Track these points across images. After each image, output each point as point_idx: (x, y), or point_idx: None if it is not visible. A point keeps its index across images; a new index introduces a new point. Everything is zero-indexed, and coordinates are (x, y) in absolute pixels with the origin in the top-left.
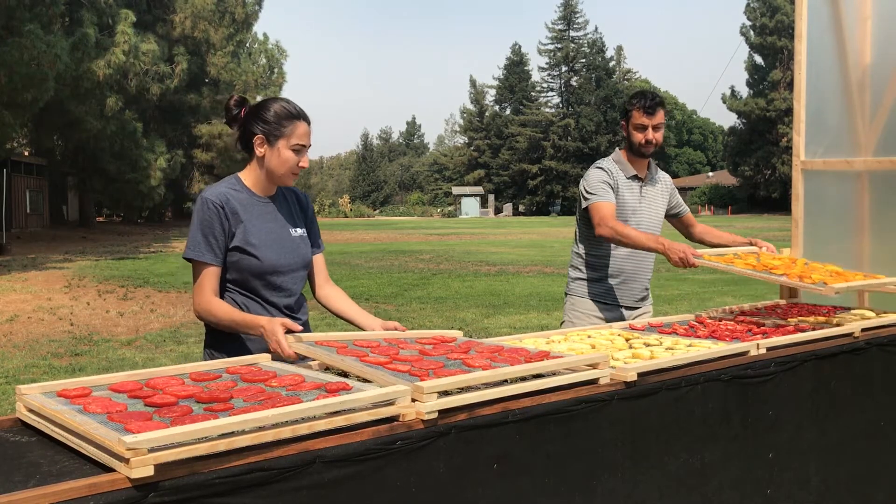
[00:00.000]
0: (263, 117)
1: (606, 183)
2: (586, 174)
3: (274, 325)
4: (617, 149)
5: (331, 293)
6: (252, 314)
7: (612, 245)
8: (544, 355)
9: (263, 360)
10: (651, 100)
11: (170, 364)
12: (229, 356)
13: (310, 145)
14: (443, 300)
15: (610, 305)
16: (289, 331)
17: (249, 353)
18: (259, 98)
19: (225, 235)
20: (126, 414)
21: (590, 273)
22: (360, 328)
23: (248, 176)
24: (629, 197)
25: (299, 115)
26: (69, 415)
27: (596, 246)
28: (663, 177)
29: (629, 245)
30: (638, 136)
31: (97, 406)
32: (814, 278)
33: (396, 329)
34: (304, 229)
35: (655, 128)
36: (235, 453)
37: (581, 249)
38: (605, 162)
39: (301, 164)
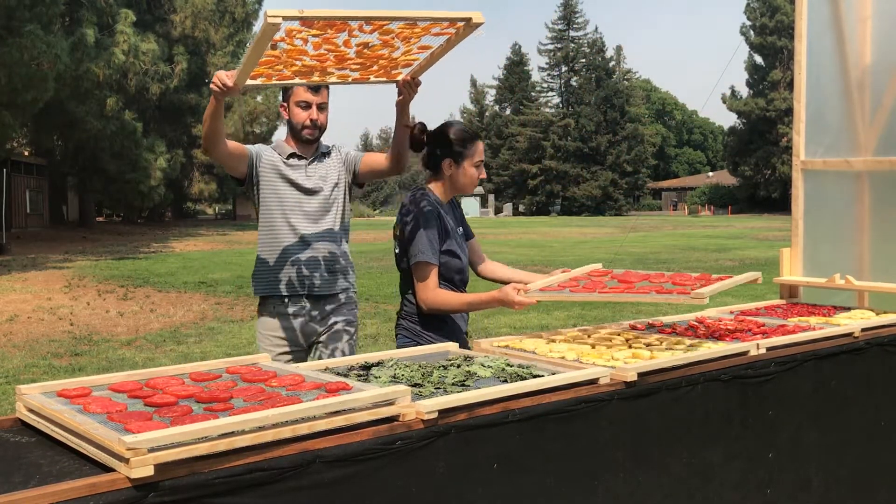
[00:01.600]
0: (447, 143)
1: None
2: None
3: (505, 292)
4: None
5: (494, 267)
6: (477, 294)
7: None
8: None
9: (263, 360)
10: None
11: (170, 364)
12: (443, 336)
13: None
14: None
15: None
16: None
17: (461, 330)
18: (258, 98)
19: (441, 241)
20: (126, 414)
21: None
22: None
23: (436, 189)
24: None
25: (476, 136)
26: (69, 415)
27: None
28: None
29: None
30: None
31: (97, 406)
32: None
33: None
34: (462, 228)
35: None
36: (235, 453)
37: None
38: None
39: (481, 175)
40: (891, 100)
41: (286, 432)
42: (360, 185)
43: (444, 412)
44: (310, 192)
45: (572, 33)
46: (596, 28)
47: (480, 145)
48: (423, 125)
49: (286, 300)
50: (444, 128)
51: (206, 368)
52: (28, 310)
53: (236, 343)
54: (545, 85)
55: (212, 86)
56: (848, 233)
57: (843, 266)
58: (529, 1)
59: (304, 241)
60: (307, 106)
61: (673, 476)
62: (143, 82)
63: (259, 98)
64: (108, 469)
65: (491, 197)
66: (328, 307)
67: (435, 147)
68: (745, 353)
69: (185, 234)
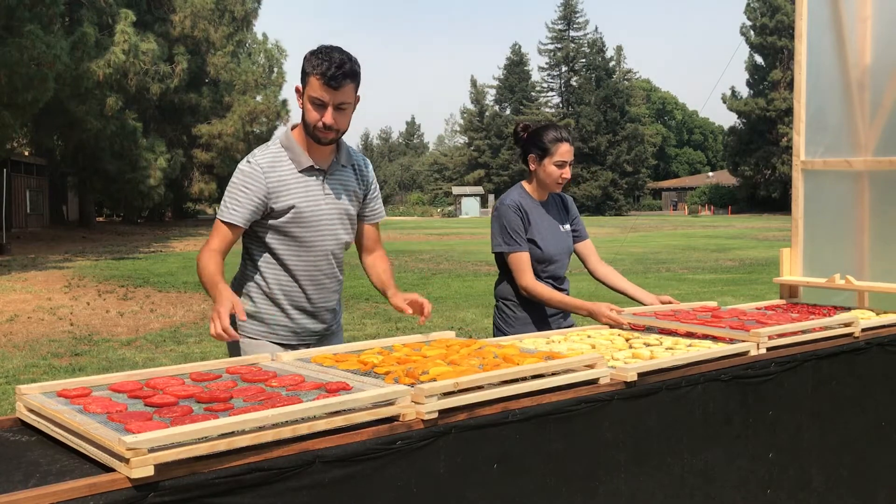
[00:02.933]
0: (534, 140)
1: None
2: None
3: (599, 307)
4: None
5: (607, 272)
6: (574, 299)
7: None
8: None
9: (264, 360)
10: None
11: (170, 364)
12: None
13: (571, 161)
14: (443, 300)
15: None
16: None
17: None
18: (258, 98)
19: (524, 231)
20: (126, 414)
21: None
22: (639, 302)
23: (527, 185)
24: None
25: (562, 138)
26: (69, 415)
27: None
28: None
29: None
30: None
31: (97, 406)
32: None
33: (671, 302)
34: (569, 225)
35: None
36: (235, 453)
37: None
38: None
39: (563, 175)
40: (891, 100)
41: (286, 432)
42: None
43: (444, 412)
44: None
45: (572, 33)
46: (596, 28)
47: (566, 146)
48: (526, 124)
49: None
50: (538, 127)
51: (206, 368)
52: (28, 310)
53: None
54: (545, 85)
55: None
56: (848, 233)
57: (843, 266)
58: (529, 1)
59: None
60: (322, 104)
61: (673, 476)
62: (143, 82)
63: (259, 98)
64: (108, 469)
65: (491, 197)
66: None
67: (526, 144)
68: (745, 354)
69: (185, 233)
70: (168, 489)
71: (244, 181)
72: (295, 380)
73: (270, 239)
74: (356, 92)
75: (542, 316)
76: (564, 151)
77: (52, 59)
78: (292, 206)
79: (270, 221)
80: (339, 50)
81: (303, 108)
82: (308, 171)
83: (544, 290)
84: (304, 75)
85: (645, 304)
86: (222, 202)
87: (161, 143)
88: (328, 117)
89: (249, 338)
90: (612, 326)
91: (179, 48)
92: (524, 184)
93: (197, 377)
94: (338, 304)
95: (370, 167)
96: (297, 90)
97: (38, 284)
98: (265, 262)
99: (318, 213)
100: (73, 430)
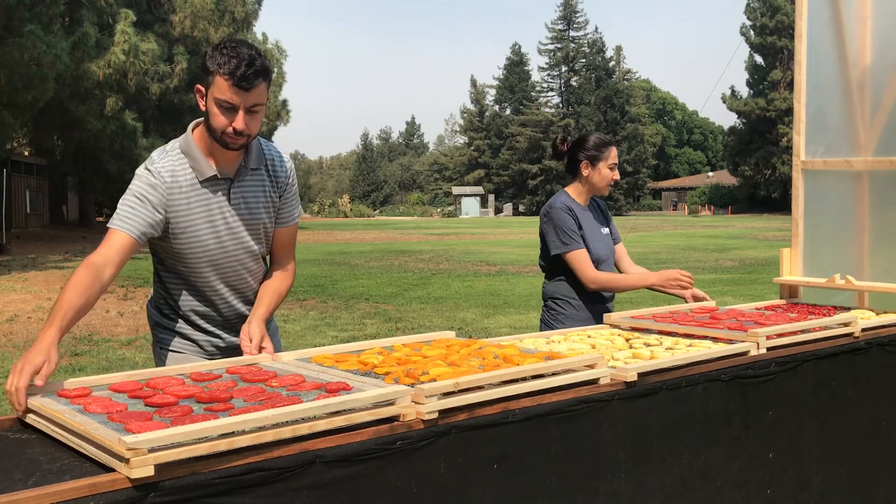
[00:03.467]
0: (585, 147)
1: None
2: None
3: (669, 274)
4: None
5: (636, 271)
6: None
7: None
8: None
9: (264, 360)
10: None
11: None
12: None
13: (618, 163)
14: (443, 300)
15: None
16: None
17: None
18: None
19: (578, 229)
20: (126, 414)
21: None
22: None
23: (572, 191)
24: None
25: (610, 143)
26: (69, 415)
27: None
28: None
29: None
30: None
31: (97, 406)
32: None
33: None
34: (608, 229)
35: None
36: (235, 453)
37: None
38: None
39: (614, 177)
40: (891, 100)
41: (286, 432)
42: None
43: (444, 412)
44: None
45: (572, 33)
46: (596, 28)
47: (615, 150)
48: (563, 137)
49: None
50: (584, 135)
51: (207, 368)
52: (28, 310)
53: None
54: (545, 85)
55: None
56: (848, 233)
57: (843, 266)
58: (529, 1)
59: None
60: (230, 107)
61: (673, 476)
62: (143, 82)
63: None
64: (108, 469)
65: (491, 197)
66: None
67: (575, 152)
68: (745, 354)
69: None
70: (168, 489)
71: (144, 190)
72: (295, 380)
73: (174, 259)
74: (268, 91)
75: (587, 316)
76: (615, 154)
77: (52, 59)
78: (193, 225)
79: (172, 241)
80: (246, 44)
81: (206, 111)
82: (211, 182)
83: (610, 277)
84: (208, 74)
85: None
86: (117, 210)
87: (161, 143)
88: (239, 122)
89: (175, 352)
90: (681, 289)
91: (179, 48)
92: (568, 189)
93: (197, 377)
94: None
95: (286, 162)
96: (198, 91)
97: (38, 284)
98: (173, 283)
99: (222, 231)
100: (74, 431)
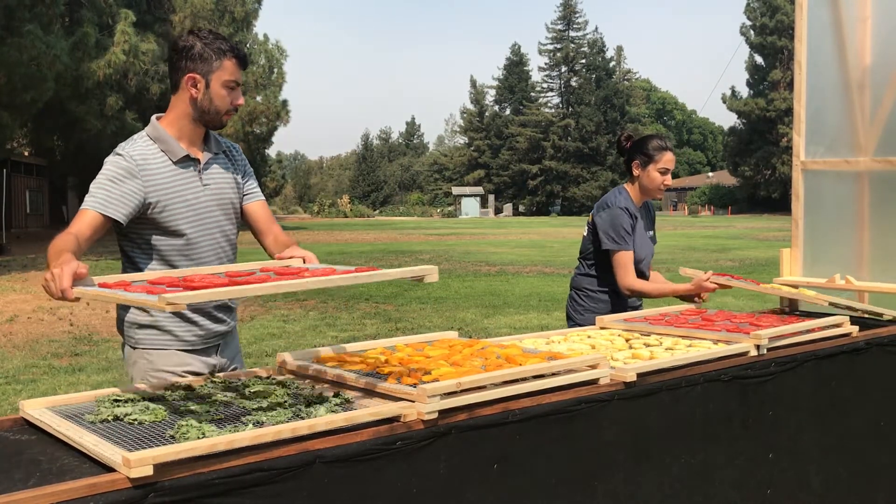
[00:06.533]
0: (640, 148)
1: None
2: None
3: (699, 282)
4: None
5: (653, 277)
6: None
7: None
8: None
9: (295, 262)
10: None
11: None
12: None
13: (673, 168)
14: (443, 300)
15: None
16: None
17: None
18: (258, 98)
19: (633, 232)
20: (163, 289)
21: None
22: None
23: (630, 190)
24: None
25: (665, 147)
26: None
27: None
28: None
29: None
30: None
31: (138, 287)
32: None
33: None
34: (652, 231)
35: None
36: (235, 453)
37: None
38: None
39: (665, 182)
40: (891, 100)
41: (286, 432)
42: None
43: (444, 412)
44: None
45: (572, 33)
46: (596, 28)
47: (669, 155)
48: (629, 135)
49: None
50: (642, 136)
51: (240, 268)
52: (28, 310)
53: None
54: (545, 85)
55: (45, 287)
56: (848, 233)
57: (843, 266)
58: (529, 1)
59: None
60: (236, 86)
61: (673, 476)
62: (144, 82)
63: (259, 98)
64: (108, 469)
65: (491, 197)
66: None
67: (631, 151)
68: (745, 354)
69: None
70: (168, 489)
71: (117, 173)
72: (326, 272)
73: (154, 241)
74: None
75: (608, 311)
76: (668, 160)
77: (52, 59)
78: (170, 203)
79: (149, 220)
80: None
81: (203, 97)
82: (183, 162)
83: (646, 286)
84: (213, 60)
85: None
86: (89, 193)
87: None
88: (240, 98)
89: (155, 349)
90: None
91: None
92: (627, 188)
93: (232, 275)
94: (233, 301)
95: (239, 150)
96: (193, 80)
97: (37, 285)
98: (150, 268)
99: (199, 207)
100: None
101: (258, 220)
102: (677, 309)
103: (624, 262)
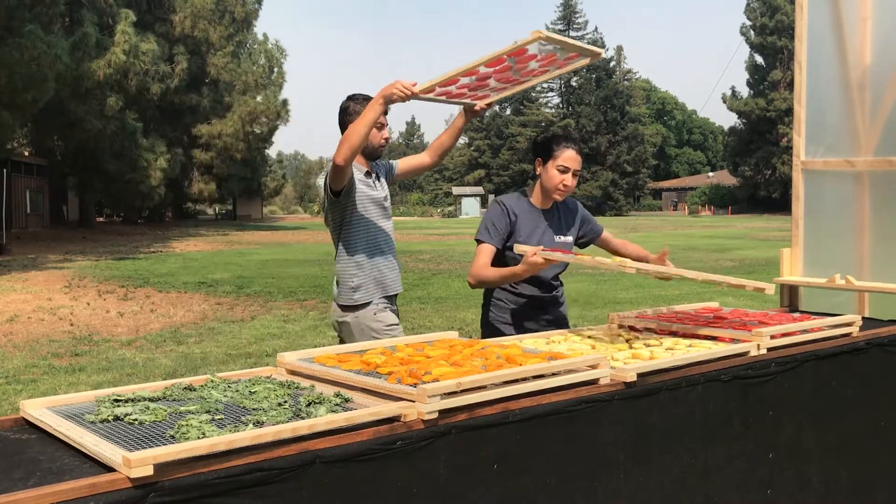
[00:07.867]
0: (540, 144)
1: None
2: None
3: (528, 256)
4: None
5: (619, 243)
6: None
7: None
8: None
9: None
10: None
11: (169, 363)
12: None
13: (576, 171)
14: (443, 300)
15: None
16: None
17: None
18: (258, 98)
19: (505, 231)
20: None
21: None
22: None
23: (532, 191)
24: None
25: (569, 146)
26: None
27: None
28: None
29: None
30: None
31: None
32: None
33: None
34: (573, 236)
35: None
36: (235, 453)
37: None
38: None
39: (564, 182)
40: (891, 100)
41: (286, 432)
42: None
43: (444, 412)
44: (383, 206)
45: (572, 33)
46: (596, 28)
47: (570, 153)
48: (544, 133)
49: (395, 298)
50: (553, 133)
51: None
52: (28, 310)
53: (237, 343)
54: (545, 85)
55: (395, 92)
56: (848, 233)
57: (843, 266)
58: (529, 1)
59: (389, 250)
60: (381, 127)
61: (673, 476)
62: (144, 82)
63: (259, 98)
64: (108, 468)
65: (491, 197)
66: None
67: (536, 148)
68: (745, 354)
69: (185, 234)
70: (168, 489)
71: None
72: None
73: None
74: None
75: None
76: (568, 157)
77: (52, 59)
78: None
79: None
80: None
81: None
82: (366, 175)
83: (487, 273)
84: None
85: (647, 262)
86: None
87: (161, 144)
88: (386, 132)
89: (375, 304)
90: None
91: (179, 48)
92: (528, 189)
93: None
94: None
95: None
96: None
97: (38, 284)
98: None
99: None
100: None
101: (409, 164)
102: (692, 307)
103: (479, 253)
